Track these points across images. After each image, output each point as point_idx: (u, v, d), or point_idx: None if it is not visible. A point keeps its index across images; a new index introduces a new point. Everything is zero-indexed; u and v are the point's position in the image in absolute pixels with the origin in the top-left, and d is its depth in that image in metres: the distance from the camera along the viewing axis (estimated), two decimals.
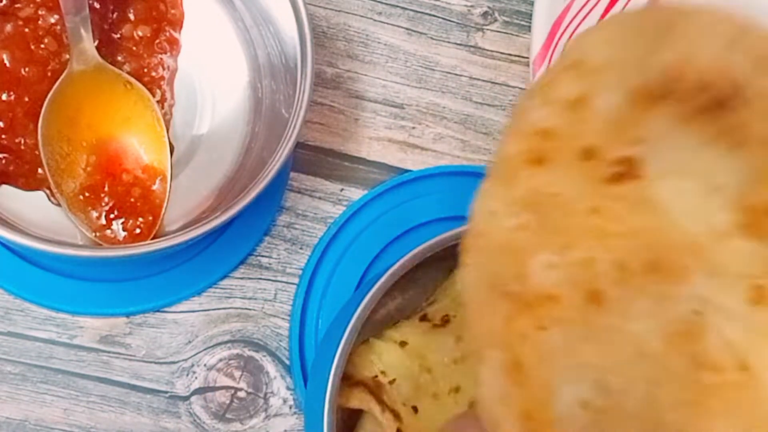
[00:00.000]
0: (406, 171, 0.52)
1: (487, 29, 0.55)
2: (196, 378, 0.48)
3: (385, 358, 0.41)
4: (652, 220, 0.24)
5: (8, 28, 0.46)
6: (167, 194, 0.46)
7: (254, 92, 0.49)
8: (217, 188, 0.48)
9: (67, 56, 0.46)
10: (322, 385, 0.38)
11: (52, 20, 0.46)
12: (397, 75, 0.53)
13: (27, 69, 0.46)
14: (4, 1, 0.46)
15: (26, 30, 0.46)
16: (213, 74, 0.49)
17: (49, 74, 0.46)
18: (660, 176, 0.24)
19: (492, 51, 0.54)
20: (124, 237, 0.45)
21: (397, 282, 0.40)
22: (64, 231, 0.45)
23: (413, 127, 0.53)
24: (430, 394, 0.41)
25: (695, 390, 0.23)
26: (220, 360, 0.48)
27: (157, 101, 0.47)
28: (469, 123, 0.53)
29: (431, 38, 0.54)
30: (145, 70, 0.48)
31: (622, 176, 0.24)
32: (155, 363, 0.48)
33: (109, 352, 0.48)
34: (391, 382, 0.41)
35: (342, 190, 0.51)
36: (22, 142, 0.46)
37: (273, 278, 0.50)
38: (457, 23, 0.55)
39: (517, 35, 0.55)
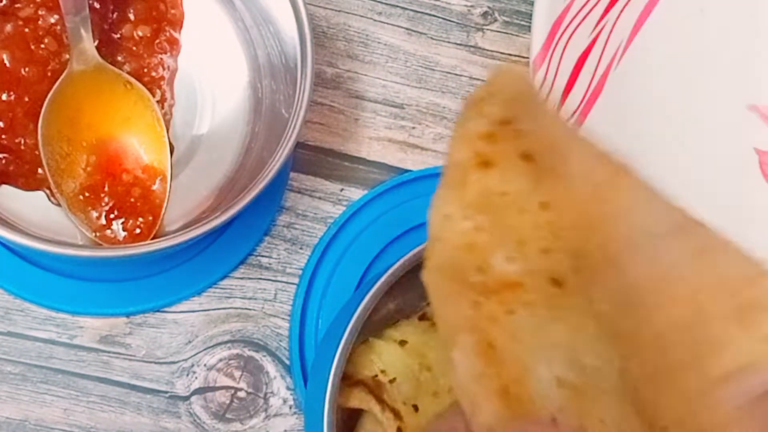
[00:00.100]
0: (406, 171, 0.52)
1: (487, 29, 0.55)
2: (196, 378, 0.48)
3: (385, 358, 0.41)
4: (599, 208, 0.26)
5: (8, 28, 0.46)
6: (167, 194, 0.46)
7: (254, 92, 0.49)
8: (217, 188, 0.48)
9: (67, 56, 0.46)
10: (322, 385, 0.38)
11: (52, 20, 0.46)
12: (397, 75, 0.53)
13: (27, 69, 0.46)
14: (4, 1, 0.46)
15: (26, 30, 0.46)
16: (213, 74, 0.49)
17: (49, 74, 0.46)
18: None
19: (492, 51, 0.54)
20: (124, 237, 0.45)
21: (397, 282, 0.40)
22: (64, 231, 0.45)
23: (413, 127, 0.53)
24: (430, 392, 0.41)
25: (664, 361, 0.24)
26: (220, 360, 0.48)
27: (157, 101, 0.47)
28: None
29: (431, 38, 0.54)
30: (145, 70, 0.48)
31: None
32: (155, 363, 0.48)
33: (109, 352, 0.48)
34: (392, 381, 0.41)
35: (342, 190, 0.51)
36: (22, 142, 0.46)
37: (273, 278, 0.50)
38: (457, 23, 0.55)
39: (517, 35, 0.55)
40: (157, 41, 0.48)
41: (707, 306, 0.24)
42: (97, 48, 0.46)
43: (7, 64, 0.46)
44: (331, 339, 0.40)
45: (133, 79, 0.47)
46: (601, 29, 0.52)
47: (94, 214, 0.45)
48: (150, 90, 0.47)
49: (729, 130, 0.53)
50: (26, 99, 0.46)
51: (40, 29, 0.46)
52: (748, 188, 0.52)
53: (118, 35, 0.48)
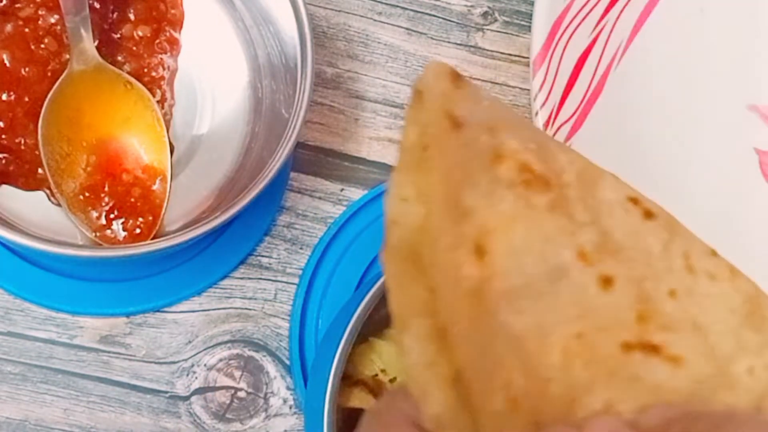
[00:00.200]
0: None
1: (487, 29, 0.55)
2: (196, 378, 0.48)
3: (386, 357, 0.41)
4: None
5: (8, 28, 0.46)
6: (167, 194, 0.46)
7: (254, 92, 0.49)
8: (217, 188, 0.48)
9: (67, 56, 0.46)
10: (322, 385, 0.38)
11: (52, 20, 0.46)
12: (397, 75, 0.53)
13: (27, 69, 0.46)
14: (4, 1, 0.46)
15: (26, 30, 0.46)
16: (213, 74, 0.49)
17: (49, 74, 0.46)
18: None
19: (492, 51, 0.54)
20: (124, 237, 0.45)
21: None
22: (64, 231, 0.45)
23: None
24: None
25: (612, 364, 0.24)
26: (220, 360, 0.48)
27: (157, 101, 0.47)
28: None
29: (431, 38, 0.54)
30: (145, 70, 0.48)
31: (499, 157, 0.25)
32: (155, 363, 0.48)
33: (109, 352, 0.48)
34: (392, 381, 0.41)
35: (342, 190, 0.51)
36: (22, 142, 0.46)
37: (273, 278, 0.50)
38: (457, 23, 0.55)
39: (517, 35, 0.55)
40: (157, 41, 0.48)
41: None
42: (97, 48, 0.46)
43: (7, 64, 0.46)
44: (331, 339, 0.40)
45: (133, 79, 0.47)
46: (601, 29, 0.52)
47: (94, 214, 0.45)
48: (150, 90, 0.47)
49: (729, 130, 0.53)
50: (26, 99, 0.46)
51: (40, 29, 0.46)
52: (748, 188, 0.52)
53: (118, 35, 0.48)
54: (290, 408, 0.48)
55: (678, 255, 0.25)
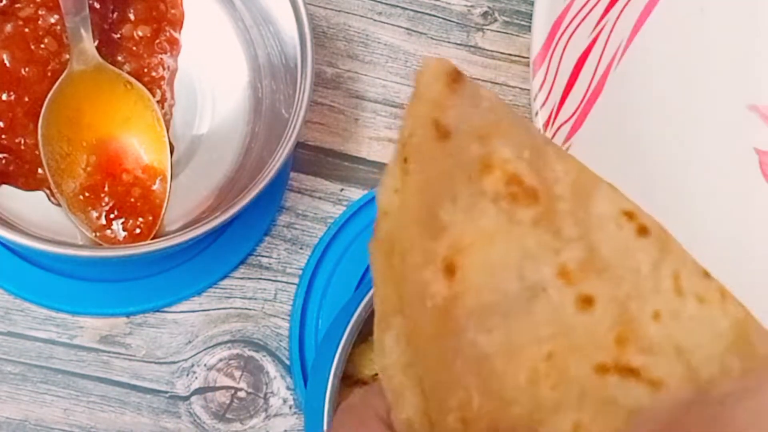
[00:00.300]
0: None
1: (487, 29, 0.55)
2: (196, 378, 0.48)
3: None
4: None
5: (8, 28, 0.46)
6: (167, 194, 0.46)
7: (254, 92, 0.49)
8: (217, 188, 0.48)
9: (67, 56, 0.46)
10: (322, 385, 0.38)
11: (52, 20, 0.46)
12: (397, 75, 0.53)
13: (27, 69, 0.46)
14: (4, 1, 0.46)
15: (26, 30, 0.46)
16: (213, 74, 0.49)
17: (49, 74, 0.46)
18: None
19: (492, 51, 0.54)
20: (124, 237, 0.45)
21: None
22: (64, 231, 0.45)
23: None
24: None
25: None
26: (220, 360, 0.48)
27: (157, 101, 0.47)
28: None
29: (431, 38, 0.54)
30: (145, 70, 0.48)
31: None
32: (155, 363, 0.48)
33: (109, 352, 0.48)
34: None
35: (342, 190, 0.51)
36: (22, 142, 0.46)
37: (273, 278, 0.50)
38: (457, 23, 0.55)
39: (517, 35, 0.55)
40: (157, 41, 0.48)
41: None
42: (97, 48, 0.46)
43: (7, 64, 0.46)
44: (331, 339, 0.40)
45: (133, 79, 0.47)
46: (601, 29, 0.52)
47: (94, 214, 0.45)
48: (150, 90, 0.47)
49: (729, 130, 0.53)
50: (26, 99, 0.46)
51: (40, 29, 0.46)
52: (748, 188, 0.52)
53: (118, 35, 0.48)
54: (290, 408, 0.48)
55: (667, 275, 0.24)
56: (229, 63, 0.49)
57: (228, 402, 0.47)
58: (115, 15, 0.48)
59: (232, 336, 0.48)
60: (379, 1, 0.54)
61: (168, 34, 0.48)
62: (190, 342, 0.48)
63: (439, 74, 0.25)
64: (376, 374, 0.41)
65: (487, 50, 0.54)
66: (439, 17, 0.55)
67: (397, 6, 0.54)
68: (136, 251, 0.42)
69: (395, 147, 0.26)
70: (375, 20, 0.54)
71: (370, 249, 0.25)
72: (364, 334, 0.41)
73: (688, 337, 0.23)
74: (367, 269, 0.49)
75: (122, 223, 0.45)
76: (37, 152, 0.45)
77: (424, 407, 0.23)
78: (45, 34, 0.46)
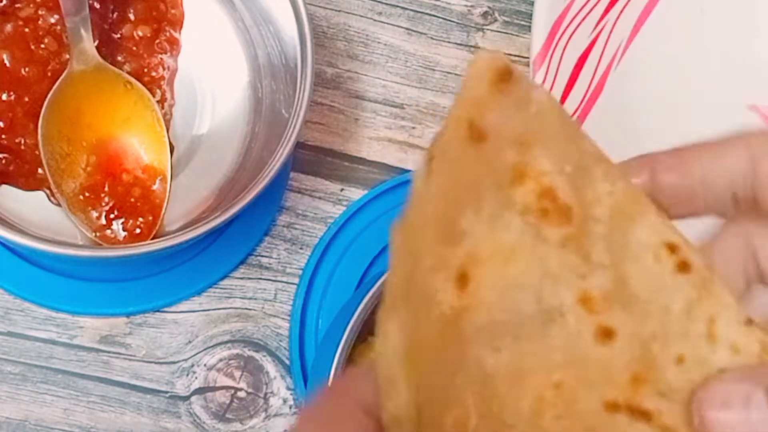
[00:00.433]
0: (406, 171, 0.52)
1: (487, 29, 0.55)
2: (196, 378, 0.48)
3: None
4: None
5: (8, 28, 0.46)
6: (167, 194, 0.46)
7: (254, 92, 0.49)
8: (217, 188, 0.48)
9: (67, 56, 0.46)
10: (322, 385, 0.38)
11: (52, 20, 0.46)
12: (397, 75, 0.53)
13: (27, 69, 0.46)
14: (4, 1, 0.46)
15: (26, 30, 0.46)
16: (213, 74, 0.49)
17: (49, 74, 0.46)
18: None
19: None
20: (124, 237, 0.45)
21: None
22: (64, 231, 0.45)
23: (413, 127, 0.53)
24: None
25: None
26: (220, 360, 0.48)
27: (157, 101, 0.47)
28: None
29: (431, 38, 0.54)
30: (145, 70, 0.48)
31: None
32: (155, 363, 0.48)
33: (109, 352, 0.48)
34: None
35: (342, 190, 0.51)
36: (22, 142, 0.46)
37: (273, 278, 0.50)
38: (457, 23, 0.55)
39: (517, 35, 0.55)
40: (157, 41, 0.48)
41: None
42: (97, 48, 0.46)
43: (7, 64, 0.46)
44: (331, 339, 0.40)
45: (133, 79, 0.47)
46: (601, 29, 0.52)
47: (94, 214, 0.45)
48: (150, 90, 0.47)
49: (729, 130, 0.53)
50: (26, 99, 0.46)
51: (40, 29, 0.46)
52: None
53: (118, 35, 0.48)
54: (290, 408, 0.48)
55: (701, 318, 0.23)
56: (229, 63, 0.49)
57: (228, 402, 0.47)
58: (115, 15, 0.48)
59: (232, 336, 0.48)
60: (379, 1, 0.54)
61: (168, 34, 0.48)
62: (190, 342, 0.48)
63: (486, 72, 0.23)
64: None
65: (487, 50, 0.54)
66: (439, 17, 0.55)
67: (397, 6, 0.54)
68: (136, 251, 0.42)
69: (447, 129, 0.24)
70: (375, 20, 0.54)
71: (392, 230, 0.23)
72: (364, 334, 0.41)
73: None
74: (367, 269, 0.49)
75: (122, 223, 0.45)
76: (37, 152, 0.45)
77: (415, 403, 0.22)
78: (45, 34, 0.46)
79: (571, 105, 0.51)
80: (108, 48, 0.48)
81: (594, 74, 0.52)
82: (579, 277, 0.23)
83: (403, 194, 0.51)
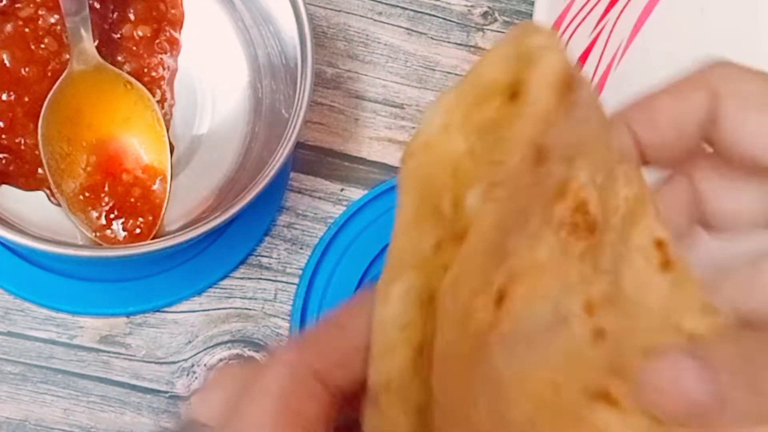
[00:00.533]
0: None
1: (487, 29, 0.55)
2: (196, 378, 0.48)
3: None
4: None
5: (8, 28, 0.46)
6: (167, 194, 0.46)
7: (254, 92, 0.49)
8: (217, 188, 0.48)
9: (67, 56, 0.46)
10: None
11: (52, 20, 0.46)
12: (397, 75, 0.53)
13: (27, 69, 0.46)
14: (4, 1, 0.46)
15: (26, 30, 0.46)
16: (213, 74, 0.49)
17: (49, 74, 0.46)
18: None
19: None
20: (124, 237, 0.45)
21: None
22: (64, 231, 0.45)
23: (413, 127, 0.53)
24: None
25: None
26: (221, 360, 0.48)
27: (157, 101, 0.47)
28: None
29: (431, 38, 0.54)
30: (145, 70, 0.48)
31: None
32: (155, 363, 0.48)
33: (109, 352, 0.48)
34: None
35: (342, 190, 0.51)
36: (22, 142, 0.46)
37: (273, 278, 0.50)
38: (457, 23, 0.55)
39: None
40: (157, 41, 0.48)
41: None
42: (97, 48, 0.46)
43: (7, 64, 0.46)
44: None
45: (133, 79, 0.47)
46: (602, 29, 0.52)
47: (94, 214, 0.45)
48: (150, 90, 0.47)
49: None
50: (26, 99, 0.46)
51: (40, 29, 0.46)
52: None
53: (118, 35, 0.48)
54: None
55: (675, 312, 0.24)
56: (229, 63, 0.49)
57: None
58: (115, 15, 0.48)
59: (232, 336, 0.48)
60: (379, 1, 0.54)
61: (168, 34, 0.48)
62: (190, 342, 0.48)
63: (554, 81, 0.22)
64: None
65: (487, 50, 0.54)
66: (439, 17, 0.55)
67: (397, 6, 0.54)
68: (136, 251, 0.42)
69: (465, 81, 0.23)
70: (375, 20, 0.54)
71: (402, 180, 0.23)
72: None
73: None
74: (367, 269, 0.49)
75: (122, 223, 0.45)
76: (37, 152, 0.45)
77: (409, 373, 0.23)
78: (45, 34, 0.46)
79: None
80: (108, 48, 0.48)
81: (594, 74, 0.52)
82: (588, 284, 0.23)
83: None
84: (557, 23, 0.51)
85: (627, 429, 0.22)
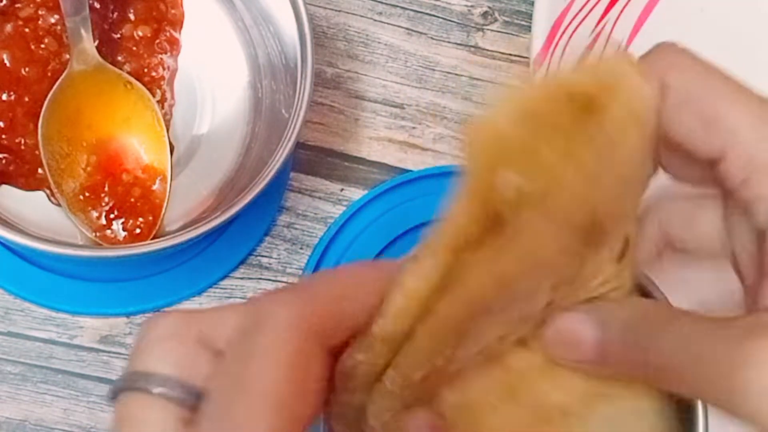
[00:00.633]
0: (406, 171, 0.52)
1: (487, 29, 0.55)
2: None
3: None
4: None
5: (8, 28, 0.46)
6: (167, 194, 0.46)
7: (254, 92, 0.49)
8: (217, 188, 0.48)
9: (67, 56, 0.46)
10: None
11: (52, 20, 0.46)
12: (397, 75, 0.53)
13: (27, 69, 0.46)
14: (4, 1, 0.46)
15: (26, 30, 0.46)
16: (213, 74, 0.49)
17: (49, 74, 0.46)
18: None
19: (492, 51, 0.54)
20: (124, 237, 0.45)
21: None
22: (64, 231, 0.45)
23: (413, 127, 0.53)
24: None
25: None
26: None
27: (157, 101, 0.47)
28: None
29: (431, 38, 0.54)
30: (145, 70, 0.48)
31: None
32: None
33: (109, 352, 0.48)
34: None
35: (342, 190, 0.51)
36: (22, 142, 0.46)
37: (273, 278, 0.50)
38: (457, 23, 0.55)
39: (517, 35, 0.55)
40: (157, 41, 0.48)
41: None
42: (97, 48, 0.46)
43: (7, 64, 0.46)
44: None
45: (133, 79, 0.47)
46: (602, 29, 0.52)
47: (94, 214, 0.45)
48: (150, 90, 0.47)
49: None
50: (26, 99, 0.46)
51: (40, 29, 0.46)
52: None
53: (118, 35, 0.48)
54: None
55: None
56: (229, 63, 0.49)
57: None
58: (115, 15, 0.48)
59: None
60: (379, 1, 0.54)
61: (168, 34, 0.48)
62: None
63: (633, 117, 0.26)
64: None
65: (487, 50, 0.54)
66: (439, 17, 0.55)
67: (397, 6, 0.54)
68: (136, 251, 0.42)
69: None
70: (375, 20, 0.54)
71: (466, 158, 0.25)
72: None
73: None
74: None
75: (122, 223, 0.45)
76: (37, 152, 0.45)
77: (404, 332, 0.25)
78: (45, 34, 0.46)
79: None
80: (108, 48, 0.48)
81: None
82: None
83: (403, 194, 0.51)
84: (557, 23, 0.51)
85: (524, 361, 0.28)
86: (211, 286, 0.49)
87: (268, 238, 0.50)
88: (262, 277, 0.49)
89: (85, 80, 0.46)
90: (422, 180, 0.51)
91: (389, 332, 0.25)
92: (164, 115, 0.47)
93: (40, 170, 0.46)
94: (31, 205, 0.46)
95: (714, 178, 0.27)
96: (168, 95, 0.48)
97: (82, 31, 0.45)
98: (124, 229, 0.45)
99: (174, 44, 0.49)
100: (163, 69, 0.48)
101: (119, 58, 0.48)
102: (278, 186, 0.50)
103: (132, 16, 0.48)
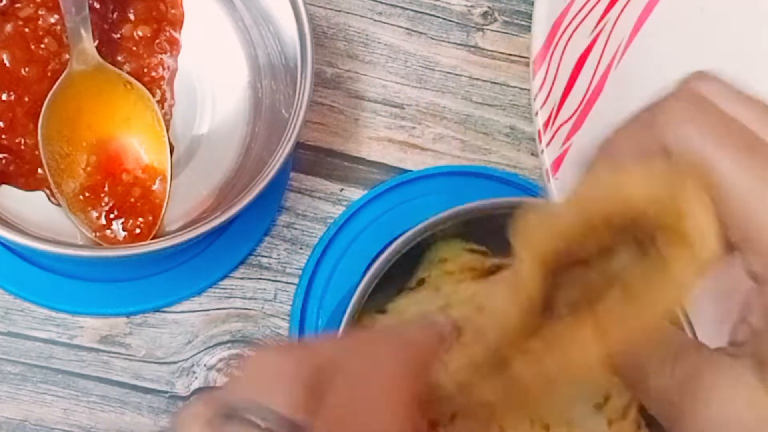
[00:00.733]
0: (406, 171, 0.52)
1: (487, 29, 0.55)
2: (196, 378, 0.48)
3: None
4: None
5: (8, 28, 0.46)
6: (167, 194, 0.46)
7: (254, 92, 0.49)
8: (217, 188, 0.48)
9: (67, 56, 0.46)
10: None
11: (52, 20, 0.46)
12: (397, 75, 0.53)
13: (27, 69, 0.46)
14: (4, 1, 0.46)
15: (26, 30, 0.46)
16: (213, 74, 0.49)
17: (49, 74, 0.46)
18: None
19: (492, 51, 0.54)
20: (124, 237, 0.45)
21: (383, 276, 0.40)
22: (64, 231, 0.45)
23: (413, 127, 0.53)
24: None
25: None
26: (220, 360, 0.48)
27: (157, 101, 0.47)
28: (469, 123, 0.53)
29: (431, 38, 0.54)
30: (145, 70, 0.48)
31: None
32: (155, 363, 0.48)
33: (109, 352, 0.48)
34: None
35: (342, 190, 0.51)
36: (22, 142, 0.46)
37: (273, 278, 0.50)
38: (457, 23, 0.55)
39: (517, 35, 0.55)
40: (157, 41, 0.48)
41: None
42: (97, 48, 0.46)
43: (7, 64, 0.46)
44: (331, 326, 0.40)
45: (133, 79, 0.47)
46: (601, 29, 0.52)
47: (94, 214, 0.45)
48: (150, 90, 0.47)
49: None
50: (26, 99, 0.46)
51: (40, 29, 0.46)
52: None
53: (118, 35, 0.48)
54: None
55: None
56: (229, 63, 0.49)
57: None
58: (115, 15, 0.48)
59: (232, 336, 0.48)
60: (379, 1, 0.54)
61: (168, 34, 0.48)
62: (190, 342, 0.48)
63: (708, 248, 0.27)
64: None
65: (487, 50, 0.54)
66: (439, 17, 0.55)
67: (397, 6, 0.54)
68: (136, 251, 0.42)
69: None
70: (375, 20, 0.54)
71: (590, 163, 0.29)
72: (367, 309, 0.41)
73: None
74: (367, 269, 0.49)
75: (122, 223, 0.45)
76: (37, 152, 0.45)
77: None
78: (45, 34, 0.46)
79: (571, 105, 0.51)
80: (108, 48, 0.48)
81: (594, 74, 0.52)
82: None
83: (403, 194, 0.51)
84: (557, 23, 0.51)
85: None
86: (211, 286, 0.49)
87: (268, 238, 0.50)
88: (262, 277, 0.49)
89: (85, 80, 0.46)
90: (422, 180, 0.51)
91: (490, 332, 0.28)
92: (164, 115, 0.47)
93: (40, 170, 0.46)
94: (31, 205, 0.46)
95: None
96: (168, 95, 0.48)
97: (82, 31, 0.45)
98: (124, 229, 0.45)
99: (174, 44, 0.49)
100: (163, 69, 0.48)
101: (119, 58, 0.48)
102: (278, 186, 0.50)
103: (132, 16, 0.48)
